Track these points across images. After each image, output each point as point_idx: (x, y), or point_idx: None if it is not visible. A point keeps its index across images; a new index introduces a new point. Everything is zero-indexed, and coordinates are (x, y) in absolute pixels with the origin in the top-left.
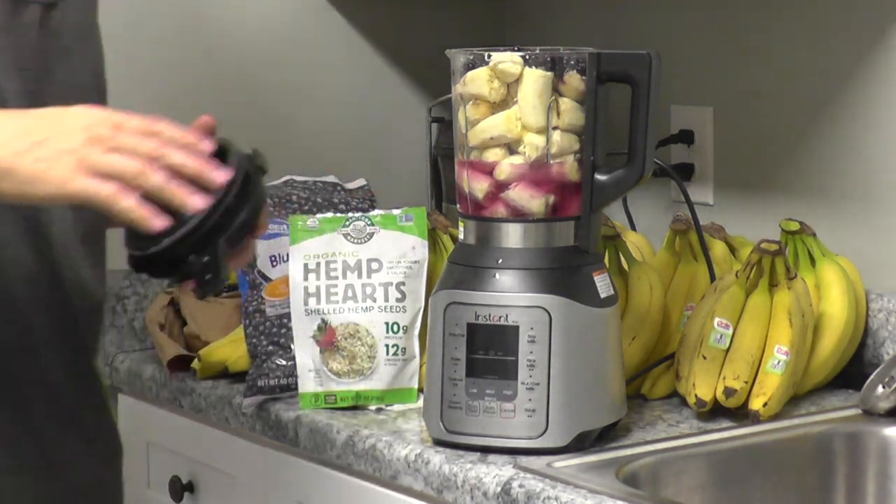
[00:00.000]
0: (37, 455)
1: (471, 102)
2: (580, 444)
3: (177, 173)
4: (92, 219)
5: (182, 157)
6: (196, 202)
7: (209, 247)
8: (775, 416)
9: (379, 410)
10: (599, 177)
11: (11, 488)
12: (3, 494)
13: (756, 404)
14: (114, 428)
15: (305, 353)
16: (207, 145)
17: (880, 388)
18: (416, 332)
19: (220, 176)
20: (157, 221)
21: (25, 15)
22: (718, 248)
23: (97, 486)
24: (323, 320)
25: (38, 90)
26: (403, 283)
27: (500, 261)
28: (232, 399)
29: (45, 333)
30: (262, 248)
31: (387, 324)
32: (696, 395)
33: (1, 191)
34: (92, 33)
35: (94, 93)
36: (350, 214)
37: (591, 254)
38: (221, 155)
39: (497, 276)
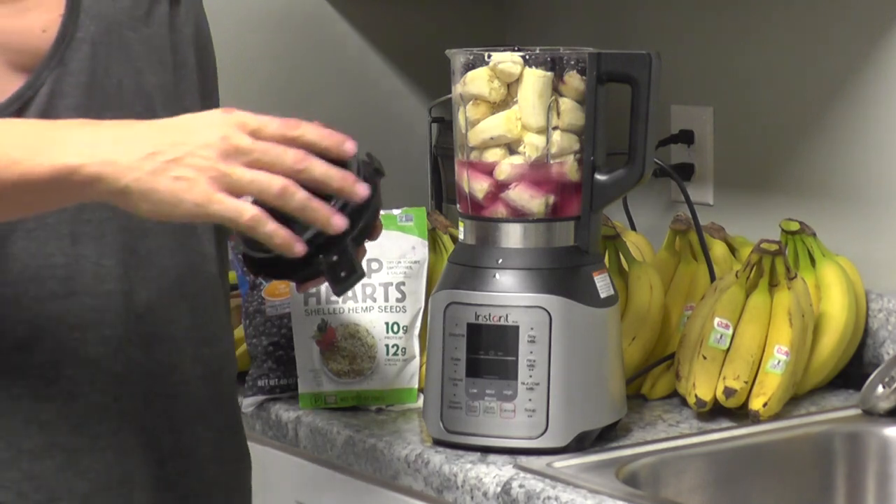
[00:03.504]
0: (175, 454)
1: (471, 102)
2: (580, 444)
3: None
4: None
5: (324, 169)
6: (338, 222)
7: (336, 248)
8: (775, 416)
9: (379, 410)
10: (599, 177)
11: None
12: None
13: (756, 404)
14: (241, 430)
15: (305, 353)
16: (350, 146)
17: (880, 388)
18: (416, 332)
19: (361, 190)
20: (298, 246)
21: (157, 9)
22: (718, 248)
23: (225, 492)
24: (323, 320)
25: (175, 82)
26: (403, 283)
27: (500, 261)
28: None
29: (186, 323)
30: None
31: (387, 324)
32: (696, 395)
33: (138, 210)
34: (203, 23)
35: (215, 80)
36: None
37: (591, 254)
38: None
39: (497, 276)
